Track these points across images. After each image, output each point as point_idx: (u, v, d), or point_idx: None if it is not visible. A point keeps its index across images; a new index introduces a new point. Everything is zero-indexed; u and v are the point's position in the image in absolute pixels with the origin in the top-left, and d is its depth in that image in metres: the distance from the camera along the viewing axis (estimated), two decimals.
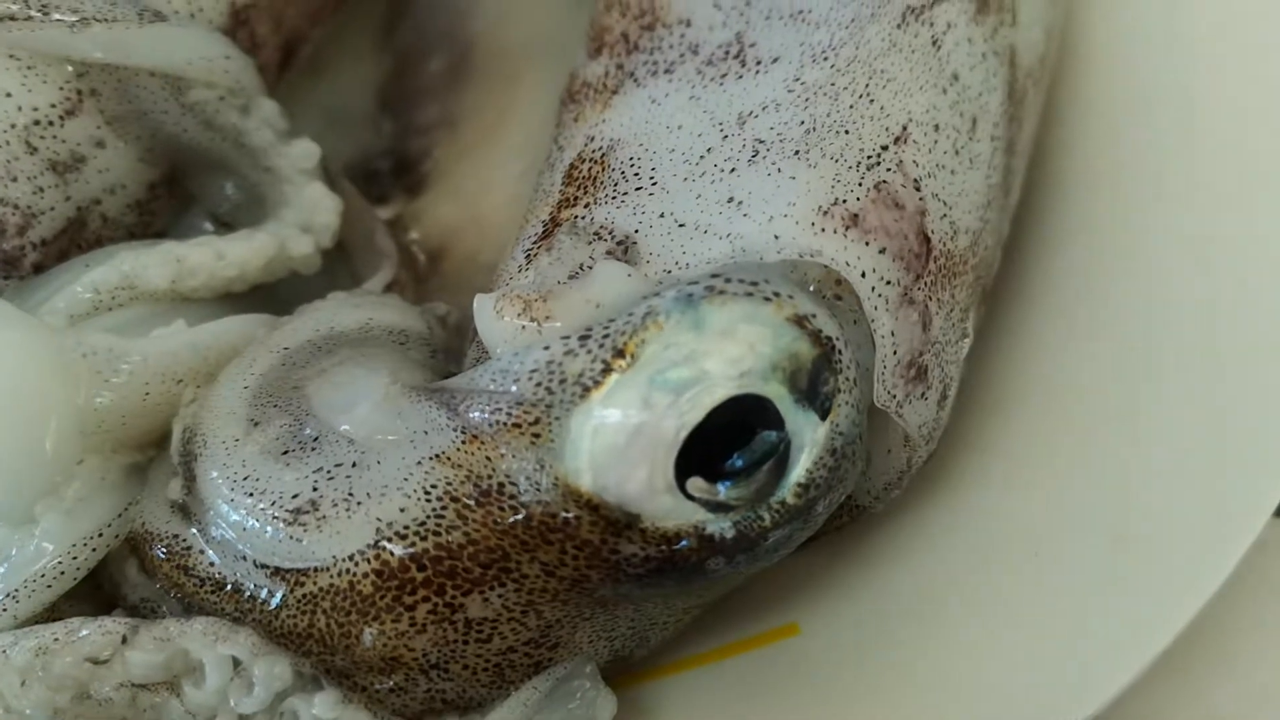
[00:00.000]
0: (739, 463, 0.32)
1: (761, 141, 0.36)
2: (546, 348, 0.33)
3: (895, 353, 0.34)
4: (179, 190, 0.43)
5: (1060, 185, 0.43)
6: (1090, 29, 0.45)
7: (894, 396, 0.34)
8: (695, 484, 0.32)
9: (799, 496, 0.33)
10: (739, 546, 0.32)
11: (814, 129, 0.36)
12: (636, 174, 0.37)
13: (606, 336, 0.32)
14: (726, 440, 0.33)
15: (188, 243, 0.39)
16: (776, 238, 0.34)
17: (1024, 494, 0.39)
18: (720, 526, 0.32)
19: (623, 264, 0.34)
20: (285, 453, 0.34)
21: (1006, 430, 0.40)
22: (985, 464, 0.39)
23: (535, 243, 0.37)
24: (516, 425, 0.32)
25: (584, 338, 0.33)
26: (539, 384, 0.32)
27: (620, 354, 0.32)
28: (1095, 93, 0.44)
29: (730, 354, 0.32)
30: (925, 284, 0.35)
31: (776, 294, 0.33)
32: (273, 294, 0.42)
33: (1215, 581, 0.36)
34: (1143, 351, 0.40)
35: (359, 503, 0.32)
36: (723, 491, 0.32)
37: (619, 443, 0.32)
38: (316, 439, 0.34)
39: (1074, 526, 0.38)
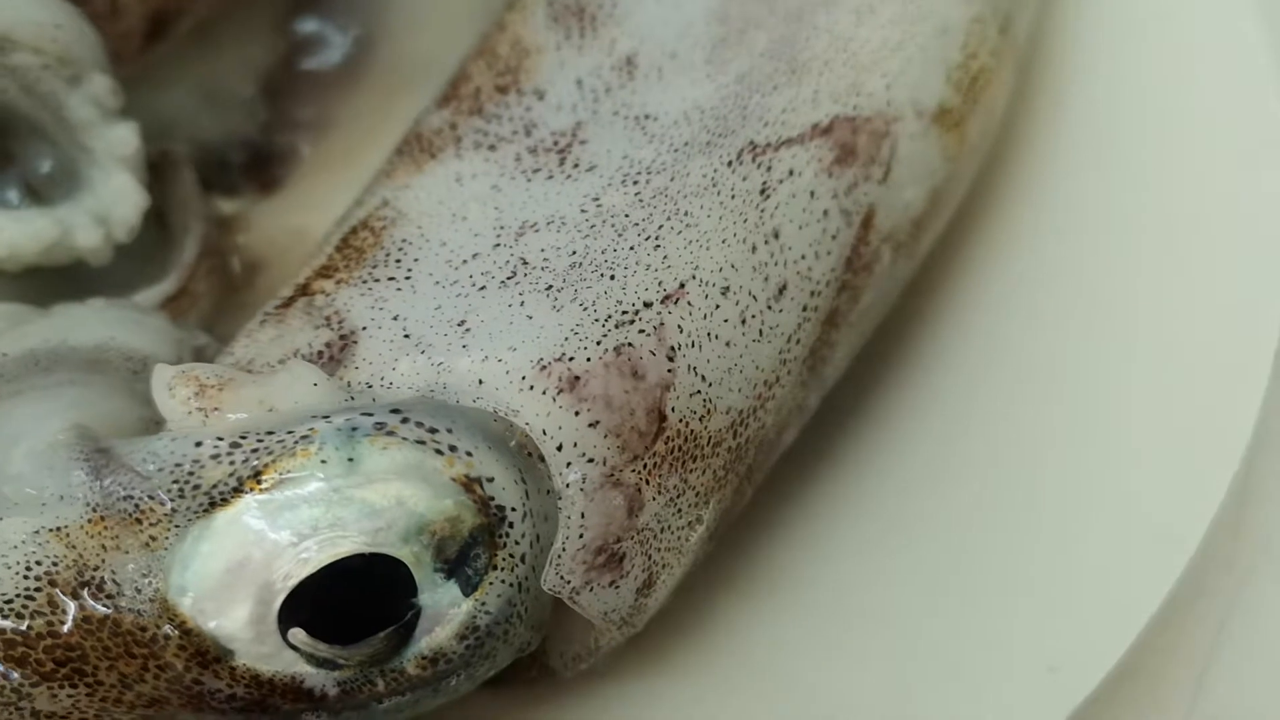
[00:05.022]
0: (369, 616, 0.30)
1: (525, 262, 0.33)
2: (198, 444, 0.30)
3: (581, 536, 0.31)
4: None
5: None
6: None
7: (568, 582, 0.31)
8: (297, 635, 0.29)
9: (422, 669, 0.30)
10: (344, 704, 0.30)
11: (581, 264, 0.33)
12: (399, 261, 0.34)
13: (255, 451, 0.30)
14: (369, 588, 0.30)
15: None
16: (480, 383, 0.31)
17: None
18: (321, 682, 0.30)
19: (313, 368, 0.31)
20: None
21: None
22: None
23: (276, 308, 0.34)
24: (138, 520, 0.30)
25: (235, 445, 0.30)
26: (175, 482, 0.30)
27: (258, 476, 0.29)
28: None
29: (373, 505, 0.29)
30: (644, 465, 0.32)
31: (453, 448, 0.30)
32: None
33: None
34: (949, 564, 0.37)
35: None
36: (327, 649, 0.29)
37: (227, 572, 0.29)
38: None
39: None
